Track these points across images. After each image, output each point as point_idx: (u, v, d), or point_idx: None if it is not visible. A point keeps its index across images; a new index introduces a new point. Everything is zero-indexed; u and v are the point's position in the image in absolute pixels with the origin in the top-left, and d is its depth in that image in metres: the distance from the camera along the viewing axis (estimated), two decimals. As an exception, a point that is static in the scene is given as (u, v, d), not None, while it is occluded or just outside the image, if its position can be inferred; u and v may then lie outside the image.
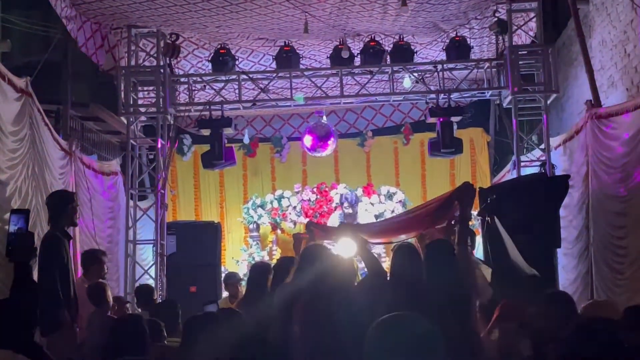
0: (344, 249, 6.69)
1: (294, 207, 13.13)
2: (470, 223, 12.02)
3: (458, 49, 10.69)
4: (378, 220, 11.76)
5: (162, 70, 10.39)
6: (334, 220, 12.22)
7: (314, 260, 5.64)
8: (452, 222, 6.69)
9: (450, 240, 6.53)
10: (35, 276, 5.28)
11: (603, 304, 6.05)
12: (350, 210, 12.37)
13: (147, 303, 8.00)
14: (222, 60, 10.74)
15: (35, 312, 4.62)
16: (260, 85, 10.90)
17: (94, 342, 6.83)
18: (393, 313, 2.79)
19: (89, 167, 9.72)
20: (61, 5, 8.95)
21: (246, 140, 14.02)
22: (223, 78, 10.94)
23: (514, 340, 5.29)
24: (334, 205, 13.03)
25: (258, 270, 6.61)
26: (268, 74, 11.04)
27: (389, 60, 10.76)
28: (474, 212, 12.44)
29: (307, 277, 5.62)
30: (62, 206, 6.53)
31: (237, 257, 13.33)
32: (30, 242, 4.38)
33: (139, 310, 8.23)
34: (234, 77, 10.85)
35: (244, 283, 11.79)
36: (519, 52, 10.25)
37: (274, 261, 12.40)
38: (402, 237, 7.54)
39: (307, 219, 12.82)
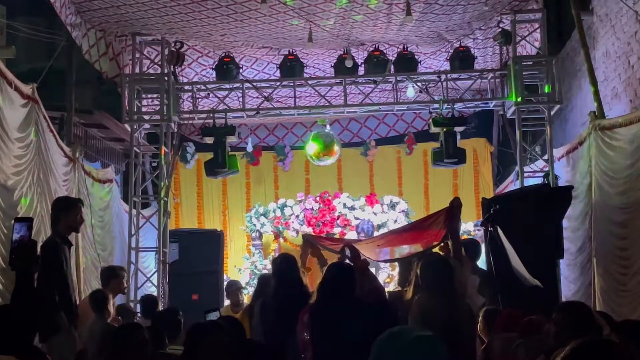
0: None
1: (297, 216, 13.12)
2: (472, 234, 12.15)
3: (462, 59, 10.72)
4: (377, 236, 11.67)
5: (166, 78, 10.41)
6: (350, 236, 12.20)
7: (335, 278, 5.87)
8: (444, 237, 6.91)
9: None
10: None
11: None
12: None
13: (151, 313, 8.00)
14: (226, 69, 10.77)
15: (36, 319, 4.63)
16: (264, 93, 10.92)
17: (95, 350, 6.85)
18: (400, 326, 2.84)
19: (88, 175, 9.74)
20: (66, 13, 8.98)
21: (249, 148, 14.05)
22: (227, 86, 10.97)
23: (515, 350, 5.28)
24: (336, 214, 13.03)
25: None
26: (272, 83, 11.07)
27: (392, 69, 10.78)
28: (473, 223, 12.56)
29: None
30: (63, 212, 6.52)
31: (239, 266, 13.31)
32: (33, 250, 4.38)
33: (141, 318, 8.24)
34: (237, 85, 10.88)
35: (245, 292, 11.87)
36: (523, 63, 10.27)
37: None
38: (404, 251, 7.68)
39: (309, 228, 12.83)
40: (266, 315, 6.56)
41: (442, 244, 7.13)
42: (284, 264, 6.78)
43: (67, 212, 6.54)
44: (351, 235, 12.49)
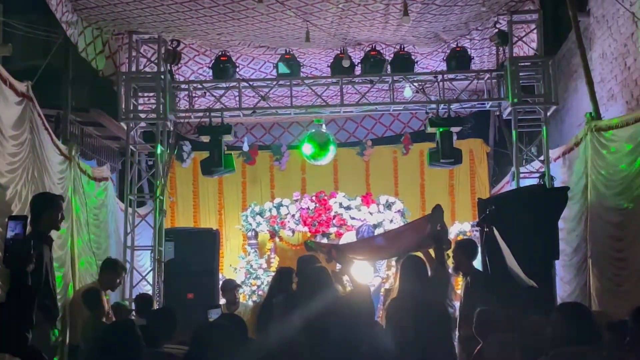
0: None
1: (293, 215, 13.12)
2: (468, 234, 12.14)
3: (458, 60, 10.72)
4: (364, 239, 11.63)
5: (162, 77, 10.40)
6: (349, 238, 12.21)
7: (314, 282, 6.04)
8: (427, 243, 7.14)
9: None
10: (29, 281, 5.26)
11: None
12: None
13: (145, 312, 8.00)
14: (223, 68, 10.76)
15: (31, 316, 4.61)
16: (261, 92, 10.91)
17: (88, 347, 6.84)
18: None
19: (84, 173, 9.72)
20: (62, 10, 8.96)
21: (246, 147, 14.04)
22: (223, 85, 10.96)
23: (511, 351, 5.29)
24: (332, 213, 13.03)
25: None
26: (268, 82, 11.06)
27: (389, 69, 10.78)
28: (469, 223, 12.59)
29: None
30: (44, 209, 6.35)
31: (235, 265, 13.31)
32: (27, 248, 4.37)
33: (136, 317, 8.24)
34: (234, 84, 10.87)
35: (241, 290, 11.88)
36: (519, 64, 10.27)
37: (272, 269, 12.46)
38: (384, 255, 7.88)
39: (305, 227, 12.83)
40: (289, 309, 6.61)
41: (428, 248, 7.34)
42: (310, 261, 6.95)
43: (49, 209, 6.35)
44: (348, 235, 12.50)
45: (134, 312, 8.62)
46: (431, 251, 7.36)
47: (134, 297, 9.63)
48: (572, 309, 4.89)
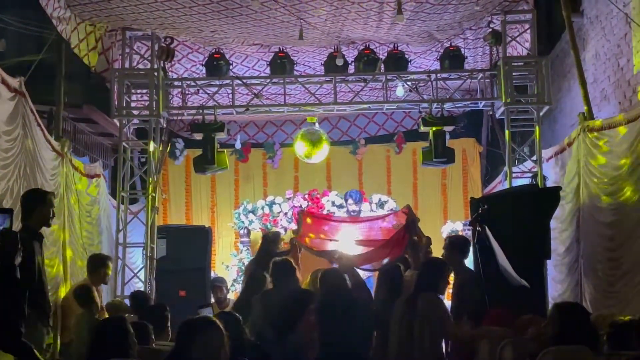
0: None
1: (285, 213, 13.10)
2: (460, 233, 12.17)
3: (452, 59, 10.73)
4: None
5: (155, 74, 10.38)
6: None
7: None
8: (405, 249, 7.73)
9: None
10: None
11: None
12: (355, 207, 12.39)
13: (141, 309, 7.97)
14: (216, 65, 10.75)
15: (23, 310, 4.60)
16: (254, 90, 10.90)
17: (80, 344, 6.83)
18: None
19: (76, 169, 9.70)
20: (54, 6, 8.93)
21: (238, 145, 14.02)
22: (217, 82, 10.94)
23: (502, 349, 5.30)
24: (324, 212, 13.01)
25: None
26: (262, 80, 11.05)
27: (383, 68, 10.78)
28: (461, 222, 12.61)
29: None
30: (39, 204, 6.24)
31: (227, 262, 13.29)
32: (15, 241, 4.35)
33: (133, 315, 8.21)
34: (227, 81, 10.86)
35: (233, 288, 11.87)
36: (513, 64, 10.28)
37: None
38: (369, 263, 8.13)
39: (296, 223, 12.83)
40: (270, 306, 6.73)
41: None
42: (283, 266, 7.17)
43: (40, 206, 6.26)
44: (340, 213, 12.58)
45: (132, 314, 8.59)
46: None
47: (125, 294, 9.60)
48: (569, 309, 4.89)
